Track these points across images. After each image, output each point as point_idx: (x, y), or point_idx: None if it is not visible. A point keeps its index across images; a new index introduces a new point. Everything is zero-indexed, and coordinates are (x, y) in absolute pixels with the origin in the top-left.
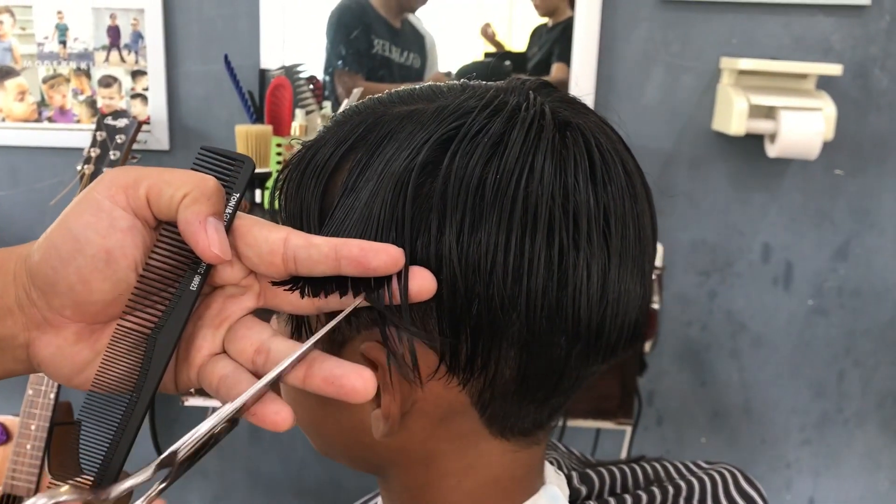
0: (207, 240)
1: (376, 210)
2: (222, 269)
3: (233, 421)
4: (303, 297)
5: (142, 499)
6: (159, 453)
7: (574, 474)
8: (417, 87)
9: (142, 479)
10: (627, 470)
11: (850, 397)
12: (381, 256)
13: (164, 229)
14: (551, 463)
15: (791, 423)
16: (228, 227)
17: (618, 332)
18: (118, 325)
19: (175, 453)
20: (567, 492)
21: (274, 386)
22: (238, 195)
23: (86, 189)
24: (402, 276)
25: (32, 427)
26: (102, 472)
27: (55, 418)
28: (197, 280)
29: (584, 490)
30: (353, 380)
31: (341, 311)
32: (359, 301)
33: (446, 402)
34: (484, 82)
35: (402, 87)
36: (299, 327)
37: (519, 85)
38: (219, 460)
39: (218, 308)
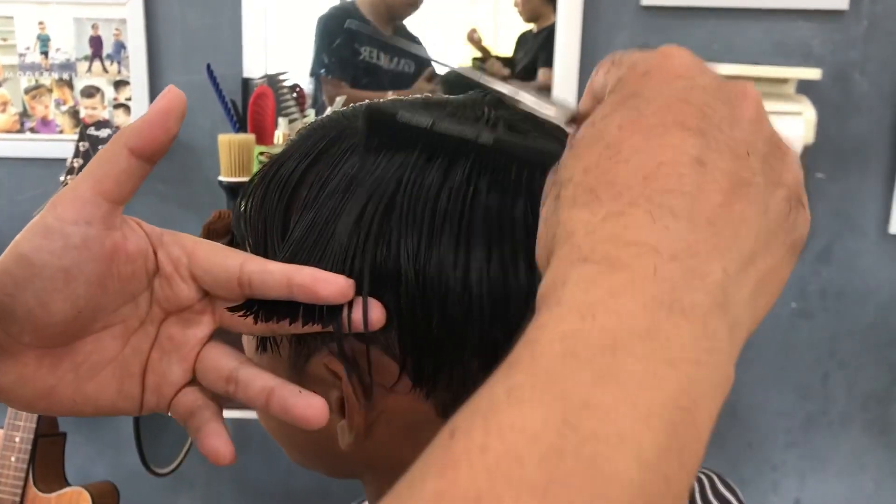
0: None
1: (337, 226)
2: (178, 289)
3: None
4: (256, 322)
5: None
6: (144, 463)
7: None
8: (380, 101)
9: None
10: None
11: (834, 399)
12: (331, 287)
13: None
14: None
15: (776, 426)
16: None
17: None
18: None
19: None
20: None
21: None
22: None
23: (32, 220)
24: (362, 307)
25: (17, 439)
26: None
27: (39, 430)
28: None
29: None
30: (303, 409)
31: (295, 331)
32: (315, 328)
33: (412, 412)
34: (445, 96)
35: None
36: (264, 341)
37: (480, 99)
38: (205, 469)
39: (182, 339)
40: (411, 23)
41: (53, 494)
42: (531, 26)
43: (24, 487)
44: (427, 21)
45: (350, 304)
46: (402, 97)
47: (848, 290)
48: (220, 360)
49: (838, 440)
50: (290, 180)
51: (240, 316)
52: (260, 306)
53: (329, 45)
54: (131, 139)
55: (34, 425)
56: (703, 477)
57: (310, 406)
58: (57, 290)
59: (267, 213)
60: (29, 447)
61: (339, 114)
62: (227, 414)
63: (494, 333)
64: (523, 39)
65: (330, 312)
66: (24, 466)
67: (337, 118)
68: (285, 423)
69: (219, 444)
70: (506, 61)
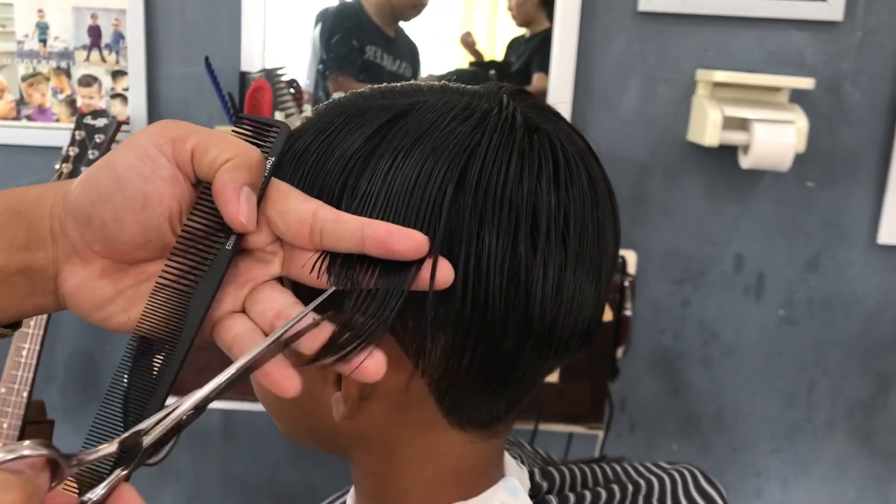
0: (238, 206)
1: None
2: (250, 233)
3: (199, 409)
4: (329, 279)
5: (102, 484)
6: None
7: (536, 470)
8: (398, 84)
9: (104, 454)
10: (588, 469)
11: (819, 407)
12: (406, 241)
13: (204, 188)
14: (514, 458)
15: (761, 432)
16: (263, 191)
17: (570, 329)
18: (160, 277)
19: (139, 433)
20: (528, 485)
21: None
22: (273, 159)
23: (134, 134)
24: (434, 263)
25: (4, 425)
26: (136, 418)
27: (28, 417)
28: (233, 239)
29: (545, 485)
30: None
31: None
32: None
33: (406, 391)
34: (463, 85)
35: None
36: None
37: (495, 90)
38: (192, 461)
39: (245, 268)
40: (410, 25)
41: None
42: (523, 31)
43: None
44: (423, 24)
45: (419, 262)
46: (419, 82)
47: (835, 299)
48: (276, 293)
49: (822, 447)
50: (305, 153)
51: (314, 267)
52: (329, 259)
53: (338, 41)
54: (244, 179)
55: (22, 412)
56: (686, 471)
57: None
58: (133, 212)
59: None
60: (16, 434)
61: (356, 93)
62: (214, 405)
63: (494, 316)
64: (514, 44)
65: (398, 267)
66: None
67: (354, 98)
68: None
69: (283, 373)
70: (499, 65)
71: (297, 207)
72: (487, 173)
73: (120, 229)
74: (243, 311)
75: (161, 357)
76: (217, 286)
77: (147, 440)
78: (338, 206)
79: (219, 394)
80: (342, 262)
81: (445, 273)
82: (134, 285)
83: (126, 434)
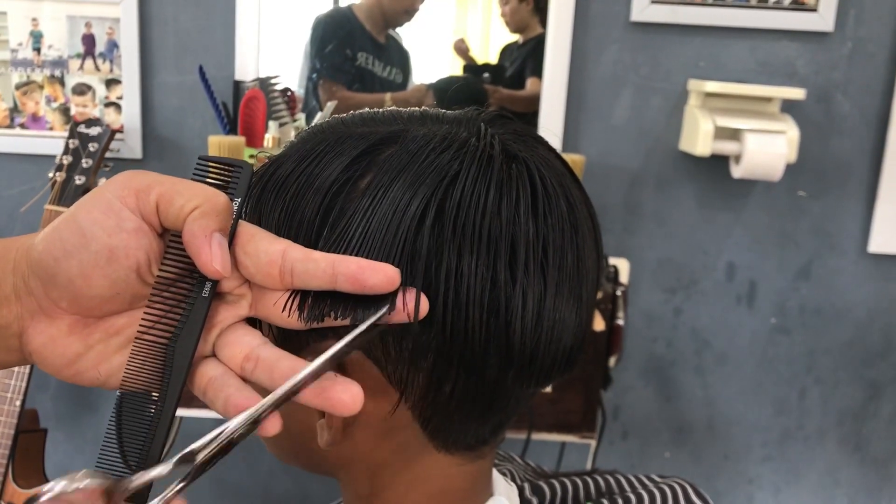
0: (210, 254)
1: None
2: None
3: (255, 422)
4: (301, 316)
5: (158, 498)
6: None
7: (526, 485)
8: (380, 111)
9: (160, 472)
10: (580, 482)
11: (810, 414)
12: (379, 275)
13: (173, 237)
14: (504, 474)
15: (753, 440)
16: (232, 234)
17: (551, 358)
18: (139, 330)
19: (194, 452)
20: (517, 502)
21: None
22: (240, 200)
23: (98, 187)
24: (416, 295)
25: None
26: (137, 466)
27: (21, 426)
28: (209, 286)
29: (535, 501)
30: (340, 392)
31: (330, 326)
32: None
33: (390, 417)
34: (443, 111)
35: (366, 109)
36: (289, 338)
37: (475, 116)
38: None
39: (213, 312)
40: (404, 30)
41: (32, 490)
42: (517, 37)
43: (3, 482)
44: (417, 30)
45: (393, 295)
46: (401, 109)
47: (826, 308)
48: (244, 335)
49: (813, 455)
50: (287, 181)
51: (286, 307)
52: (303, 299)
53: (329, 48)
54: (213, 226)
55: (15, 421)
56: (676, 486)
57: (347, 390)
58: (99, 266)
59: (262, 211)
60: (9, 443)
61: (338, 120)
62: (208, 414)
63: (475, 346)
64: (508, 50)
65: (374, 302)
66: (4, 462)
67: (336, 124)
68: None
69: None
70: (493, 69)
71: (267, 248)
72: (466, 205)
73: (87, 285)
74: (213, 354)
75: (152, 408)
76: (199, 334)
77: (200, 457)
78: (317, 239)
79: (266, 413)
80: (313, 299)
81: (421, 305)
82: (103, 339)
83: (182, 453)
